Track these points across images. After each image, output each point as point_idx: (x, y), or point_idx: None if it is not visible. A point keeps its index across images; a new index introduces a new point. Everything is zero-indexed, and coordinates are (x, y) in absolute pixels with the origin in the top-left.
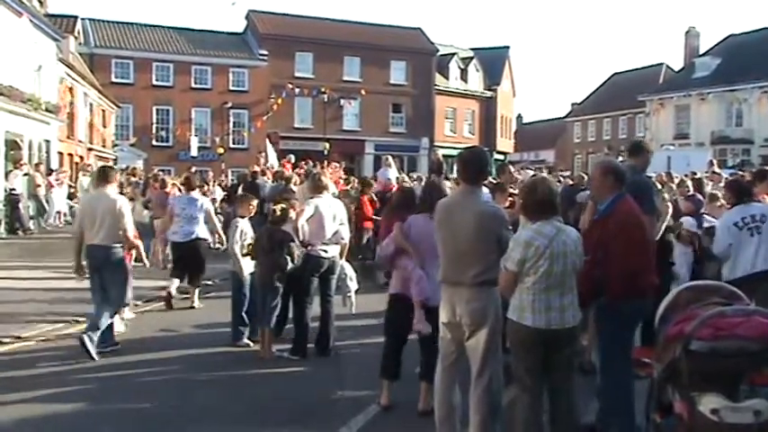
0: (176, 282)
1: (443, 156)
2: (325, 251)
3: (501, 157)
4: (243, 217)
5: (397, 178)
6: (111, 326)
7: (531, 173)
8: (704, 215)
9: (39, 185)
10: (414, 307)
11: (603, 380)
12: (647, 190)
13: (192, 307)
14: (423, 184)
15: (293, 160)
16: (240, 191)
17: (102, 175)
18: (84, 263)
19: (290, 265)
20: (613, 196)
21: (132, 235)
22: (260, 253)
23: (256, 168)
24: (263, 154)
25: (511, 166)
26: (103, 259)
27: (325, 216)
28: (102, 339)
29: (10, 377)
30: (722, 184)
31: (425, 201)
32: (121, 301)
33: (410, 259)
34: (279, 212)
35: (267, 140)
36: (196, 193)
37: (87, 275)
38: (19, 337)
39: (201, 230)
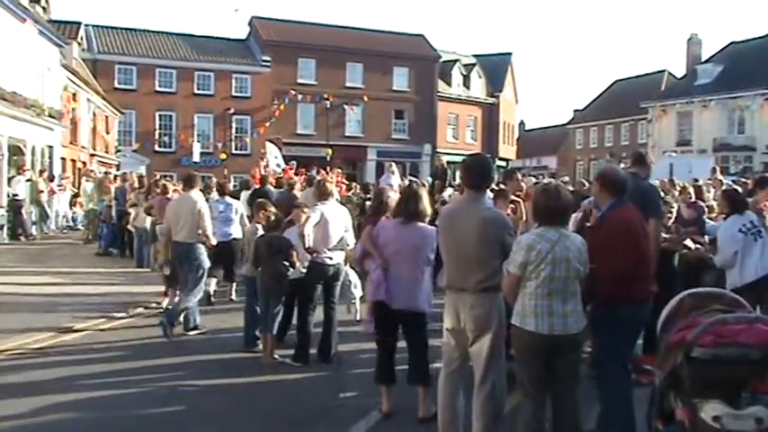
0: (213, 281)
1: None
2: (330, 258)
3: (503, 163)
4: (260, 223)
5: (400, 185)
6: (193, 311)
7: (534, 181)
8: (707, 221)
9: (42, 191)
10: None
11: (602, 387)
12: (652, 195)
13: (232, 299)
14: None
15: (295, 166)
16: (244, 197)
17: (188, 181)
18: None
19: (290, 272)
20: (611, 203)
21: (210, 233)
22: (261, 260)
23: (263, 174)
24: (265, 160)
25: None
26: (184, 254)
27: (331, 223)
28: (185, 325)
29: (14, 382)
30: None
31: (400, 205)
32: (198, 291)
33: (374, 261)
34: (273, 218)
35: (268, 143)
36: (230, 198)
37: (164, 269)
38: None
39: (236, 231)
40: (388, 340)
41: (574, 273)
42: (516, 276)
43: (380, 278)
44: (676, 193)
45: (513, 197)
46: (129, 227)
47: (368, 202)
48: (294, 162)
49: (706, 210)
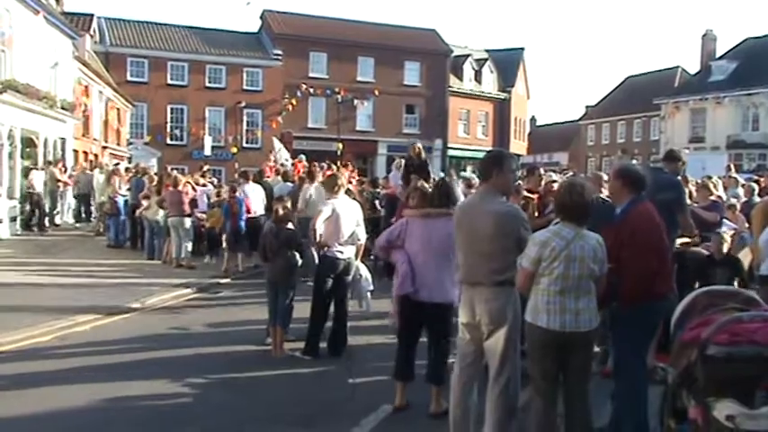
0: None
1: (453, 157)
2: (341, 252)
3: None
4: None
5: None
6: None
7: (553, 177)
8: (723, 220)
9: (60, 182)
10: (417, 304)
11: (618, 384)
12: (677, 188)
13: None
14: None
15: (304, 160)
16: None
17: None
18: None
19: (299, 264)
20: (631, 199)
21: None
22: (269, 252)
23: (265, 167)
24: (273, 153)
25: (541, 170)
26: None
27: (342, 217)
28: None
29: (23, 373)
30: (739, 189)
31: (432, 197)
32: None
33: (402, 254)
34: (281, 212)
35: (275, 139)
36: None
37: None
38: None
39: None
40: (412, 335)
41: (587, 272)
42: (529, 271)
43: (407, 272)
44: (693, 190)
45: (525, 193)
46: (140, 216)
47: (377, 200)
48: (303, 156)
49: (725, 209)
